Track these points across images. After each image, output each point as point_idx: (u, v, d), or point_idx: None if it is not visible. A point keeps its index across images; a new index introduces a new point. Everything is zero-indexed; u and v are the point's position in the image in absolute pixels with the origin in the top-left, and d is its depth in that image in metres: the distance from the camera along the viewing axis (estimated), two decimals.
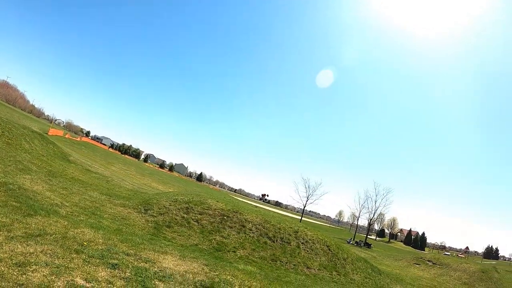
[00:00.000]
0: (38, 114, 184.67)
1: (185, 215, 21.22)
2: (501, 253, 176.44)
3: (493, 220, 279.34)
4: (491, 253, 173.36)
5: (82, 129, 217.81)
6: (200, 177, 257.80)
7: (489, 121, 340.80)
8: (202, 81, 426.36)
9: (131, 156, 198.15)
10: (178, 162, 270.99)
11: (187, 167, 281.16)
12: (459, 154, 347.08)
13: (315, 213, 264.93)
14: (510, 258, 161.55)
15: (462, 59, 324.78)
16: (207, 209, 22.64)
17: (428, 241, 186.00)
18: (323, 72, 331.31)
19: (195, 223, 20.59)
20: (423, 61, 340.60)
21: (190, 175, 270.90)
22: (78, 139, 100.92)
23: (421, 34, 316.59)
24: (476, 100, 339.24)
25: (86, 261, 6.94)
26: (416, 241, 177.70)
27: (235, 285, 8.70)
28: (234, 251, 18.40)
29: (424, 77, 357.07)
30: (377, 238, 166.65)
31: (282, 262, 19.41)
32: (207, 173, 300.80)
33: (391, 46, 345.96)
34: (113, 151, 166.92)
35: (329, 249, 23.97)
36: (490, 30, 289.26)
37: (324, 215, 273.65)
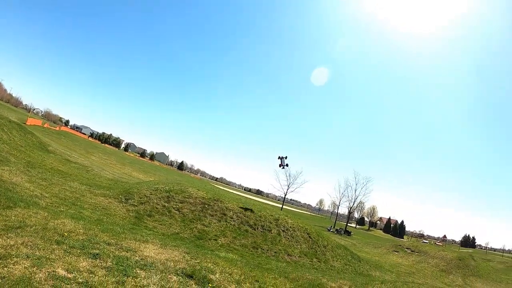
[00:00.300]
0: (16, 103, 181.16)
1: (166, 204, 21.24)
2: (477, 242, 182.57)
3: (471, 210, 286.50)
4: (468, 242, 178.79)
5: (61, 118, 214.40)
6: (181, 166, 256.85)
7: (470, 113, 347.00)
8: (184, 69, 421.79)
9: (111, 145, 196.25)
10: (159, 151, 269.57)
11: (168, 156, 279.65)
12: (437, 145, 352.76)
13: (296, 201, 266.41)
14: (486, 247, 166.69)
15: (450, 55, 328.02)
16: (188, 198, 22.69)
17: (407, 229, 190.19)
18: (312, 67, 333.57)
19: (176, 211, 20.65)
20: (406, 56, 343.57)
21: (171, 164, 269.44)
22: (57, 128, 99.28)
23: (404, 31, 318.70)
24: (455, 94, 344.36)
25: (67, 252, 6.95)
26: (395, 229, 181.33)
27: (216, 272, 8.85)
28: (216, 239, 18.54)
29: (405, 71, 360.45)
30: (357, 226, 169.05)
31: (263, 249, 19.65)
32: (188, 162, 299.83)
33: (373, 39, 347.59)
34: (93, 140, 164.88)
35: (310, 237, 24.31)
36: (483, 26, 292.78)
37: (305, 204, 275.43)
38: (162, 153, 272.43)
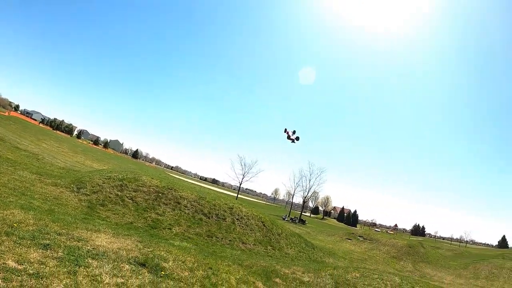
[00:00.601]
0: None
1: (119, 193, 20.97)
2: (427, 230, 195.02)
3: (421, 200, 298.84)
4: (418, 230, 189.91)
5: (10, 102, 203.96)
6: (135, 154, 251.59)
7: (425, 102, 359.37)
8: (140, 53, 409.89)
9: (63, 132, 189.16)
10: (113, 139, 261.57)
11: (122, 144, 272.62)
12: (390, 137, 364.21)
13: (251, 190, 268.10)
14: (435, 236, 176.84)
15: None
16: (141, 186, 22.48)
17: (359, 218, 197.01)
18: (275, 58, 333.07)
19: (130, 200, 20.46)
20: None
21: (125, 152, 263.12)
22: (6, 113, 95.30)
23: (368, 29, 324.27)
24: (405, 91, 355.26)
25: (17, 243, 6.88)
26: (349, 218, 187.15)
27: (169, 260, 9.01)
28: (170, 228, 18.63)
29: (351, 59, 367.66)
30: (311, 215, 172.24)
31: (218, 238, 19.95)
32: (143, 150, 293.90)
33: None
34: (44, 126, 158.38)
35: (264, 225, 24.81)
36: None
37: (261, 193, 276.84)
38: (116, 141, 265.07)
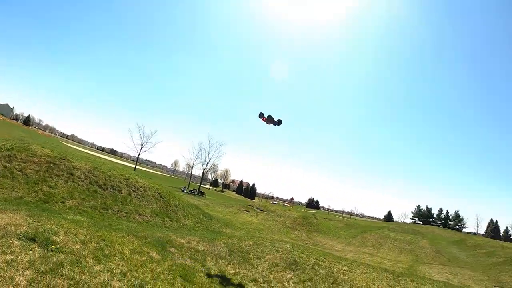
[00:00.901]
0: None
1: (7, 164, 19.39)
2: (321, 204, 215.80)
3: (316, 175, 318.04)
4: (312, 204, 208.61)
5: None
6: (27, 121, 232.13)
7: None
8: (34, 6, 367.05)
9: None
10: (1, 102, 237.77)
11: (12, 109, 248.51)
12: (290, 110, 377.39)
13: (151, 162, 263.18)
14: (328, 209, 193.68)
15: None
16: (31, 156, 20.99)
17: (258, 191, 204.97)
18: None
19: (19, 172, 19.08)
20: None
21: (16, 118, 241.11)
22: None
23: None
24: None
25: None
26: (247, 191, 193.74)
27: (60, 234, 9.04)
28: (63, 202, 17.97)
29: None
30: (211, 187, 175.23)
31: (114, 210, 19.83)
32: (36, 116, 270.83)
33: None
34: None
35: (161, 196, 25.10)
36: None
37: (160, 165, 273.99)
38: (6, 105, 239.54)
